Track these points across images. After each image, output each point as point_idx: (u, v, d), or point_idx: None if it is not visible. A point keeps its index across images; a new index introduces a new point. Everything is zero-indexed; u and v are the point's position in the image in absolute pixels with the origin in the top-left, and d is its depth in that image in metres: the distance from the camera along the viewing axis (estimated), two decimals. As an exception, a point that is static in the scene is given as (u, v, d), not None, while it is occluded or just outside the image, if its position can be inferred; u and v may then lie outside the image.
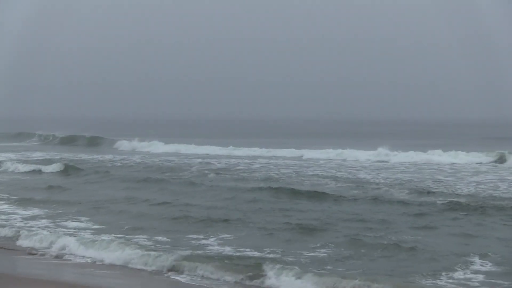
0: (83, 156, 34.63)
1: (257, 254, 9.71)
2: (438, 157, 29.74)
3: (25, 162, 28.62)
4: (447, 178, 22.41)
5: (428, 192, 17.48)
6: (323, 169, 26.29)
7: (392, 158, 30.25)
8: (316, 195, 16.44)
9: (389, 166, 28.02)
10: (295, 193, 16.93)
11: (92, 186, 20.73)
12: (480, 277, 8.03)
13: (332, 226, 12.13)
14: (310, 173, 24.51)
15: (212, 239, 11.11)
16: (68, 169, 25.23)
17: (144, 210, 14.93)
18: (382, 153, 31.44)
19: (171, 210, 14.63)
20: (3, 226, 12.50)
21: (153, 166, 27.91)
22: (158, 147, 42.29)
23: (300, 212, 14.21)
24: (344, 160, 31.77)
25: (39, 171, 25.46)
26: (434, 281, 7.77)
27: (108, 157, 34.14)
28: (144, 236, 11.38)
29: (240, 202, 15.93)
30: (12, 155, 33.54)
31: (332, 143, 39.04)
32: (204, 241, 10.98)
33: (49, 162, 28.34)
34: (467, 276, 8.07)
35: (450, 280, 7.84)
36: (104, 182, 21.55)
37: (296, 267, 8.25)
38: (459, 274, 8.09)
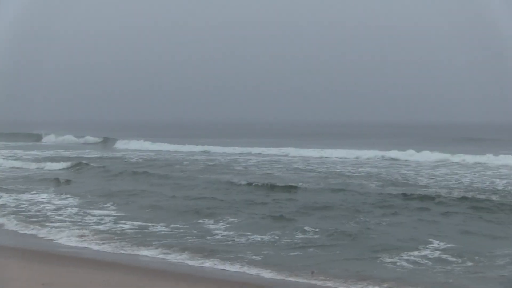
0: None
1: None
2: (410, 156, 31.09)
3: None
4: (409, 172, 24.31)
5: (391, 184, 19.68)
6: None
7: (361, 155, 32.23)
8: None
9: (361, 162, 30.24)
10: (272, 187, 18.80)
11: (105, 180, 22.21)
12: (436, 254, 9.31)
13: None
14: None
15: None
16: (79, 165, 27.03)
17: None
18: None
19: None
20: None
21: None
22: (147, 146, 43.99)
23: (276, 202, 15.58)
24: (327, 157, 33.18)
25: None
26: (394, 259, 8.93)
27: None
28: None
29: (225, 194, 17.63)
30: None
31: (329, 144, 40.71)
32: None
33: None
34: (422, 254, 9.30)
35: (408, 258, 9.02)
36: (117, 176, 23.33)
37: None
38: (416, 253, 9.33)
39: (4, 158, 30.26)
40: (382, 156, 30.90)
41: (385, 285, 7.48)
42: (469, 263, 8.74)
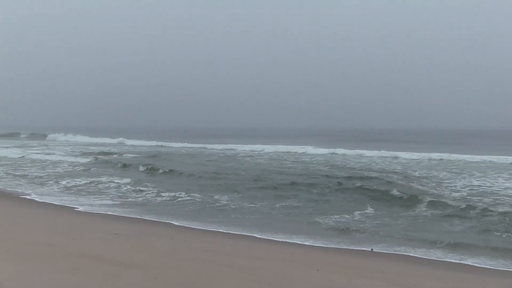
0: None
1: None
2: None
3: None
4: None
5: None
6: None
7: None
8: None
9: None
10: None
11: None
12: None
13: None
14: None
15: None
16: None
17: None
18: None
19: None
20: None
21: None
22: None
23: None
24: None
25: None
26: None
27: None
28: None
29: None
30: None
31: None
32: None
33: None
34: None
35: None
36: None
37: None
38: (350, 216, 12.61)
39: (56, 155, 33.09)
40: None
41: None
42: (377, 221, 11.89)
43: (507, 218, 12.09)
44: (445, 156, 32.03)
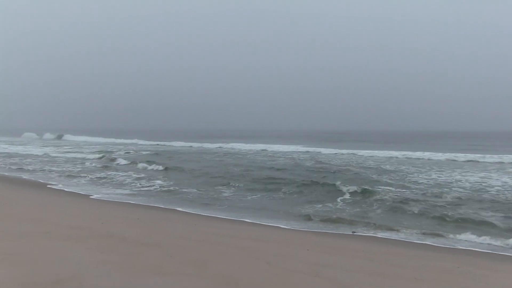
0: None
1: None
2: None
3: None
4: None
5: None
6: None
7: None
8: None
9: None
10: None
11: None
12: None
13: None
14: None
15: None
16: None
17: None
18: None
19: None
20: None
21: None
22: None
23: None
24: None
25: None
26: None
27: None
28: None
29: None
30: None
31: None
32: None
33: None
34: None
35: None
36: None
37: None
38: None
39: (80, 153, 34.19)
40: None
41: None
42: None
43: (453, 204, 12.63)
44: (409, 154, 32.41)
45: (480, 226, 10.06)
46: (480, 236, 9.08)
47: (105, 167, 23.38)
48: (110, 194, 14.63)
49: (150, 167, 22.64)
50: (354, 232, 9.57)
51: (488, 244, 8.62)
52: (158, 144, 50.31)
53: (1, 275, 4.83)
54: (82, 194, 14.27)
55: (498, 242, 8.67)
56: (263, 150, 40.51)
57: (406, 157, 31.09)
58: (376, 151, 35.13)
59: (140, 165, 23.41)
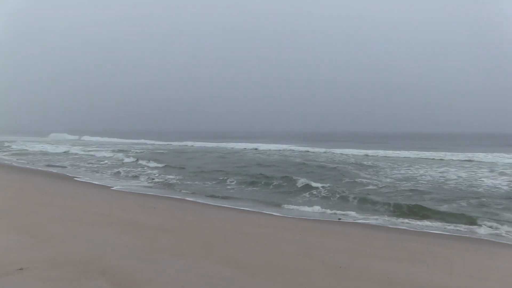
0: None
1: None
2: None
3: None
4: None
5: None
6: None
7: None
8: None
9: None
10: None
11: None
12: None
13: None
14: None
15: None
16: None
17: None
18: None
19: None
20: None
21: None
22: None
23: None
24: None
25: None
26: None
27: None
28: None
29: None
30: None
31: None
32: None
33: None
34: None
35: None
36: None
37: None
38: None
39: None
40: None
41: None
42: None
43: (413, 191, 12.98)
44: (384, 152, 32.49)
45: (438, 214, 10.12)
46: (446, 222, 9.19)
47: (126, 164, 23.34)
48: (128, 186, 14.65)
49: (160, 165, 22.58)
50: (340, 219, 9.67)
51: (453, 228, 8.72)
52: (168, 144, 50.13)
53: (41, 253, 4.93)
54: (105, 186, 14.32)
55: (458, 228, 8.78)
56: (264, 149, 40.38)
57: (385, 156, 31.18)
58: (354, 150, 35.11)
59: (152, 163, 23.25)
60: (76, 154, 31.05)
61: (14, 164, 22.55)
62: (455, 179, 16.58)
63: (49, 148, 36.93)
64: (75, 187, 13.89)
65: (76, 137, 73.24)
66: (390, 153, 32.41)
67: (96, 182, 15.24)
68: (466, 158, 26.65)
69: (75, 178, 16.36)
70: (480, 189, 13.89)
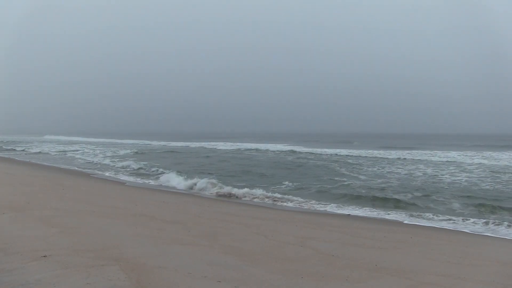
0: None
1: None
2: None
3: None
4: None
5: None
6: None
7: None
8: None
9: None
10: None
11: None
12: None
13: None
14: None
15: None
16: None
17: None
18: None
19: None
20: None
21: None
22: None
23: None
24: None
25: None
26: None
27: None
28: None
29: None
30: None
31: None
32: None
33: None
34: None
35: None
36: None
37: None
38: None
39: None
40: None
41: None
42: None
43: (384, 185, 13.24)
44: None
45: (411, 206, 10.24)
46: (436, 214, 9.26)
47: (133, 161, 23.08)
48: (139, 182, 14.67)
49: (166, 164, 22.37)
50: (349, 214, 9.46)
51: (439, 220, 8.78)
52: (168, 144, 49.69)
53: (62, 242, 5.01)
54: (118, 182, 14.39)
55: (440, 218, 8.87)
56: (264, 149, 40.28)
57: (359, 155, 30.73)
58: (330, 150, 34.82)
59: (161, 160, 23.17)
60: (88, 153, 30.91)
61: (36, 162, 22.58)
62: (423, 176, 16.82)
63: (59, 149, 36.24)
64: (91, 182, 13.95)
65: (70, 138, 71.71)
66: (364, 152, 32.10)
67: (110, 178, 15.28)
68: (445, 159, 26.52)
69: (91, 175, 16.42)
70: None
